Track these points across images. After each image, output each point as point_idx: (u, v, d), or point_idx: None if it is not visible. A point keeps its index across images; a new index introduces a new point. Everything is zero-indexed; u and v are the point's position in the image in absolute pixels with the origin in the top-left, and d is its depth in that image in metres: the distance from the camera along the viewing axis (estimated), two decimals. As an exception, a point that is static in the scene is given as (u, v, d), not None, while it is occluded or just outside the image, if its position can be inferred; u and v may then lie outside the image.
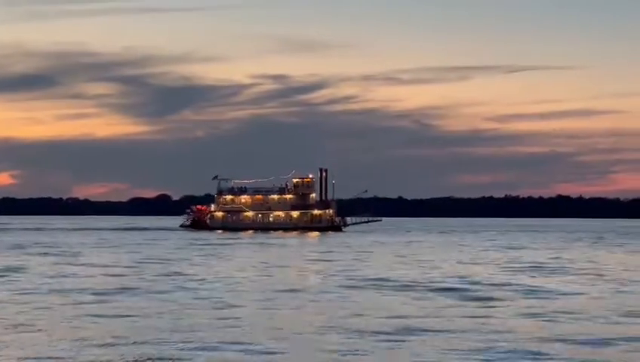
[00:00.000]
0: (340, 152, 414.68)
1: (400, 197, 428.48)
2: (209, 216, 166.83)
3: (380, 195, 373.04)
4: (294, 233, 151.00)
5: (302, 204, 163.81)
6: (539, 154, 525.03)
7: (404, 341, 27.50)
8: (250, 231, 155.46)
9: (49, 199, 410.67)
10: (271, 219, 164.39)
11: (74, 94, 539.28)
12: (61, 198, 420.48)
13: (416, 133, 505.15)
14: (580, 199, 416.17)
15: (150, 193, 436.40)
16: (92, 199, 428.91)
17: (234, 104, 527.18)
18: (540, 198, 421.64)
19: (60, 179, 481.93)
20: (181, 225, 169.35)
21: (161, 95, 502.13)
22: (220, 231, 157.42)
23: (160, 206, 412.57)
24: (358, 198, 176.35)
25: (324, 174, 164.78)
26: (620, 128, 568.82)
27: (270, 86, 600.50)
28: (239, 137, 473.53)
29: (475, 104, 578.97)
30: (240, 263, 68.53)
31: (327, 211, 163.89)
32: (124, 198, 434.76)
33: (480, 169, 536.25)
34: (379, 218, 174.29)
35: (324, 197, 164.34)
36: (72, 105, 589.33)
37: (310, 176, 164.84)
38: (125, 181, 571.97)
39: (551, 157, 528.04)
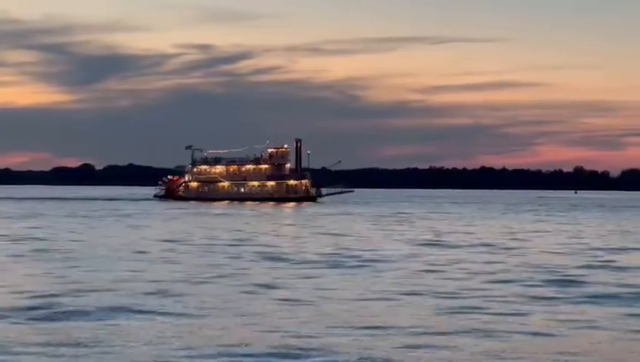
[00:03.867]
0: (265, 123, 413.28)
1: (323, 168, 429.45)
2: (183, 186, 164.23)
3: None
4: (269, 204, 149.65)
5: (277, 174, 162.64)
6: (463, 126, 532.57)
7: None
8: (225, 202, 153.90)
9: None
10: (246, 189, 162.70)
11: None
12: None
13: (341, 104, 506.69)
14: (504, 170, 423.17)
15: (73, 162, 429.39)
16: (13, 168, 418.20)
17: (158, 74, 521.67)
18: (464, 170, 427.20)
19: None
20: (155, 195, 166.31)
21: (85, 64, 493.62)
22: (194, 201, 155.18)
23: (83, 175, 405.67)
24: (331, 169, 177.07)
25: (298, 144, 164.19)
26: (543, 101, 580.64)
27: (195, 56, 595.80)
28: (164, 107, 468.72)
29: (401, 75, 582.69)
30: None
31: (302, 181, 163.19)
32: (46, 168, 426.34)
33: (405, 140, 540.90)
34: (351, 189, 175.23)
35: (298, 168, 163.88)
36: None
37: (285, 146, 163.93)
38: (47, 150, 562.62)
39: (475, 129, 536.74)
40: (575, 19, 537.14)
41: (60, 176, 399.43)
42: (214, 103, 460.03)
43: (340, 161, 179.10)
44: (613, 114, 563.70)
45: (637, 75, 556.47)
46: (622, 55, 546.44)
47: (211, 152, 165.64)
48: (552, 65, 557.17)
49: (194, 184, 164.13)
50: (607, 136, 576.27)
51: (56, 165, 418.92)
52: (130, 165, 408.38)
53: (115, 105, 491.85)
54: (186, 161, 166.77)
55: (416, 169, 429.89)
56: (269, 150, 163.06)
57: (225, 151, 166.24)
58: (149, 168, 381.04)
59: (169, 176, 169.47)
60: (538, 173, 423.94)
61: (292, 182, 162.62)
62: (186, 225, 79.65)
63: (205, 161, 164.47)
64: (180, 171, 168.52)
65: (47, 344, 20.24)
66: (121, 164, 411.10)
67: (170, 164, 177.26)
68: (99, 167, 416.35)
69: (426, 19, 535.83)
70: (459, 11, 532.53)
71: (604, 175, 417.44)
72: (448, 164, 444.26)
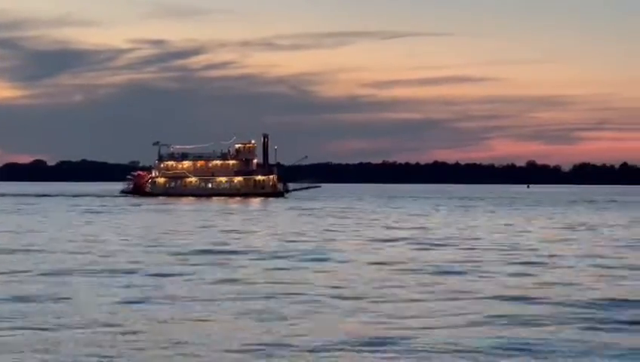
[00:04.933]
0: (219, 118, 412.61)
1: (278, 163, 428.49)
2: (150, 181, 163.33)
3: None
4: (237, 199, 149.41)
5: (245, 169, 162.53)
6: (415, 121, 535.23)
7: None
8: (192, 198, 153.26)
9: None
10: (214, 185, 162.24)
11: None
12: None
13: (293, 99, 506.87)
14: (457, 165, 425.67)
15: (24, 158, 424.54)
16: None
17: (111, 69, 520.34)
18: (417, 164, 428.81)
19: None
20: (122, 191, 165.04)
21: (36, 59, 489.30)
22: (161, 197, 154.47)
23: (35, 171, 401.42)
24: (298, 165, 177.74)
25: (266, 140, 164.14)
26: (495, 95, 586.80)
27: (148, 51, 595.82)
28: (116, 102, 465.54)
29: (353, 70, 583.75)
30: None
31: (270, 177, 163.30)
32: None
33: (357, 135, 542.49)
34: (318, 184, 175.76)
35: (266, 163, 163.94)
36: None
37: (252, 141, 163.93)
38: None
39: (427, 124, 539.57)
40: (526, 14, 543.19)
41: (11, 173, 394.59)
42: (167, 98, 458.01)
43: (306, 157, 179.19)
44: (564, 108, 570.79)
45: (588, 69, 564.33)
46: (573, 50, 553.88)
47: (178, 148, 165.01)
48: (504, 60, 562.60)
49: (161, 180, 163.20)
50: (559, 131, 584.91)
51: (7, 161, 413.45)
52: (84, 161, 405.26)
53: (67, 100, 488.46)
54: (139, 157, 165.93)
55: (369, 164, 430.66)
56: (237, 145, 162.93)
57: (192, 146, 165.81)
58: (104, 164, 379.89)
59: (139, 172, 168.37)
60: (491, 167, 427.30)
61: (260, 177, 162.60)
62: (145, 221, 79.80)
63: (172, 157, 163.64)
64: (133, 167, 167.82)
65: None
66: (74, 159, 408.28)
67: (124, 160, 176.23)
68: (51, 163, 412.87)
69: (378, 13, 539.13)
70: (410, 6, 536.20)
71: (556, 169, 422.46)
72: (401, 158, 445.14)
